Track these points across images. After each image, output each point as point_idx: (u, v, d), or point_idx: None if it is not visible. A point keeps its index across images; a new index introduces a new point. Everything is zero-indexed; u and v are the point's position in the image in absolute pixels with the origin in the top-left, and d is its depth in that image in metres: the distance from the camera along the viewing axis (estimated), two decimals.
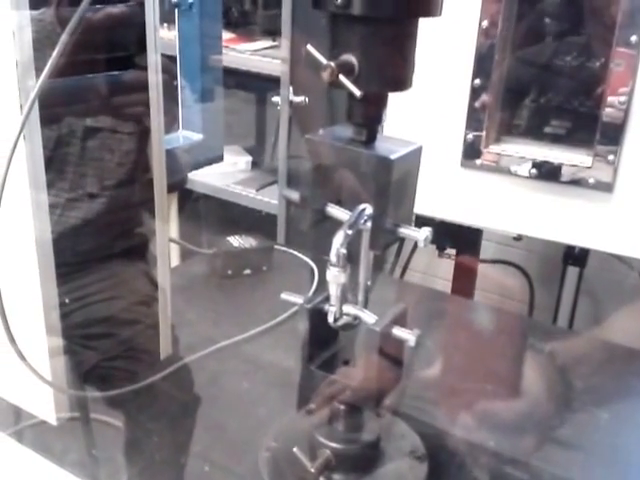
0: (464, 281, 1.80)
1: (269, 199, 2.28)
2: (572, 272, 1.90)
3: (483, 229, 1.50)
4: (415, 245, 2.12)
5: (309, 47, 0.61)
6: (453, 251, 1.82)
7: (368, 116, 0.67)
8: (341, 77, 0.61)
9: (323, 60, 0.61)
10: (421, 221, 1.06)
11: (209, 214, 2.48)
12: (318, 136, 0.69)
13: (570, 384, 0.94)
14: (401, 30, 0.62)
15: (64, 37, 0.79)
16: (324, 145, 0.69)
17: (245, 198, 2.35)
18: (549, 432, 0.93)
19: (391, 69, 0.63)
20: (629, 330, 1.16)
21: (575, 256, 1.86)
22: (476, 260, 1.82)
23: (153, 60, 0.95)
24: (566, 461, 0.90)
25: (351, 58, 0.62)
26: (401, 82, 0.65)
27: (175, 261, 1.78)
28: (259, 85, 2.47)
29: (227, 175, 2.47)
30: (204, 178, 2.38)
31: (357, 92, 0.61)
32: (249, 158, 2.60)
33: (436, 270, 2.28)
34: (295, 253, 1.41)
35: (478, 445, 0.88)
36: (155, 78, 0.96)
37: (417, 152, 0.69)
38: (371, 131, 0.67)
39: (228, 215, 2.44)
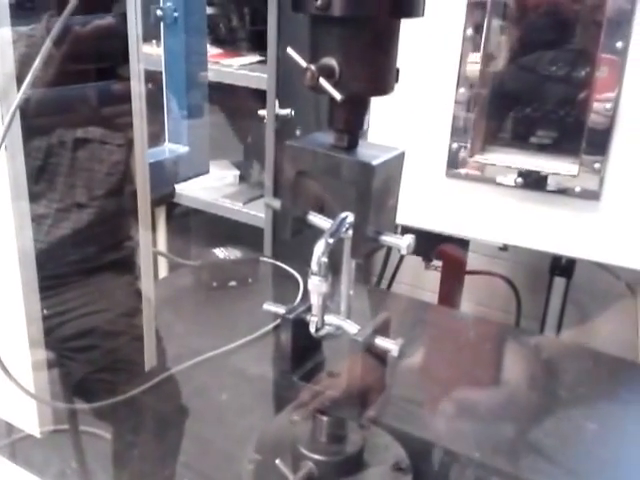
0: (450, 293, 1.79)
1: (256, 212, 2.28)
2: (559, 283, 1.89)
3: (469, 240, 1.49)
4: (402, 257, 2.12)
5: (289, 50, 0.61)
6: (439, 263, 1.82)
7: (349, 121, 0.66)
8: (321, 80, 0.60)
9: (303, 63, 0.60)
10: (410, 230, 1.06)
11: (197, 227, 2.48)
12: (299, 142, 0.69)
13: (554, 394, 0.94)
14: (382, 32, 0.62)
15: (47, 43, 0.79)
16: (305, 151, 0.68)
17: (233, 212, 2.35)
18: (532, 441, 0.92)
19: (372, 72, 0.62)
20: (615, 339, 1.16)
21: (562, 267, 1.86)
22: (462, 272, 1.82)
23: (136, 70, 0.95)
24: (551, 471, 0.90)
25: (332, 61, 0.61)
26: (382, 86, 0.64)
27: (163, 273, 1.77)
28: (248, 100, 2.47)
29: (215, 189, 2.48)
30: (192, 192, 2.39)
31: (338, 96, 0.60)
32: (237, 172, 2.60)
33: (423, 282, 2.27)
34: (281, 265, 1.41)
35: (463, 456, 0.87)
36: (138, 87, 0.95)
37: (399, 158, 0.68)
38: (353, 137, 0.67)
39: (217, 228, 2.44)
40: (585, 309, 1.90)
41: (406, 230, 1.29)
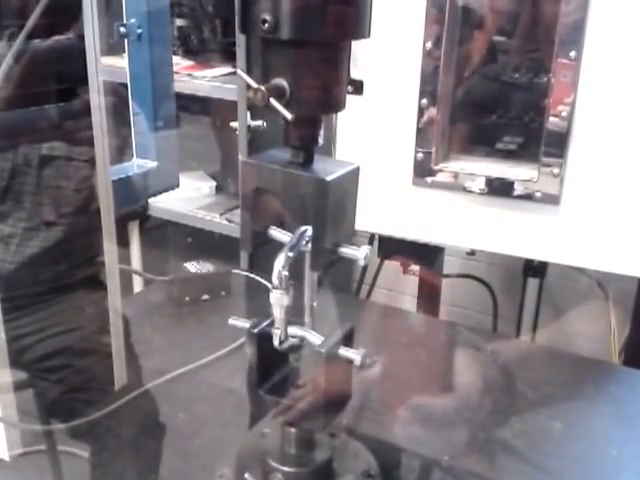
0: (429, 297, 1.81)
1: (233, 223, 2.27)
2: (533, 283, 1.91)
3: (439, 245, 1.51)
4: (380, 264, 2.13)
5: (239, 71, 0.62)
6: (417, 267, 1.83)
7: (303, 138, 0.67)
8: (272, 101, 0.61)
9: (253, 84, 0.61)
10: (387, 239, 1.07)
11: (174, 240, 2.47)
12: (255, 159, 0.70)
13: (523, 394, 0.95)
14: (330, 53, 0.63)
15: (8, 59, 0.79)
16: (262, 168, 0.69)
17: (209, 223, 2.34)
18: (502, 443, 0.93)
19: (322, 92, 0.64)
20: (589, 339, 1.18)
21: (535, 268, 1.88)
22: (439, 275, 1.83)
23: (95, 84, 0.96)
24: (521, 473, 0.91)
25: (282, 82, 0.62)
26: (333, 104, 0.66)
27: (139, 287, 1.77)
28: (224, 110, 2.48)
29: (191, 201, 2.47)
30: (167, 204, 2.38)
31: (288, 115, 0.61)
32: (213, 183, 2.60)
33: (402, 287, 2.29)
34: (254, 277, 1.41)
35: (433, 461, 0.88)
36: (98, 101, 0.96)
37: (354, 172, 0.70)
38: (308, 153, 0.68)
39: (193, 241, 2.43)
40: (559, 309, 1.92)
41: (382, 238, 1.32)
